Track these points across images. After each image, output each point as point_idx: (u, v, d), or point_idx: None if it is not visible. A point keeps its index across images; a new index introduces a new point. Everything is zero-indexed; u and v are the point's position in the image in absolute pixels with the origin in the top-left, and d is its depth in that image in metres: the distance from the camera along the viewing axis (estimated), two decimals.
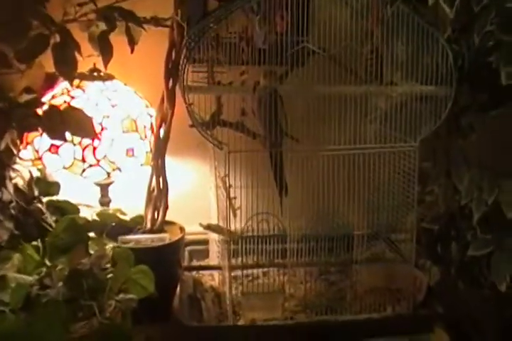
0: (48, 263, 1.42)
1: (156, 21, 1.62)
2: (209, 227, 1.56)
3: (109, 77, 1.69)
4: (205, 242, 1.81)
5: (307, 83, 1.53)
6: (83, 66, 1.63)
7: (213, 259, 1.78)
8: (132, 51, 1.58)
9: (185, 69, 1.46)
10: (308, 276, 1.70)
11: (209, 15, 1.66)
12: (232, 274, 1.53)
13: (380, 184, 1.63)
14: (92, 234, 1.52)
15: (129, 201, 1.77)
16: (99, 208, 1.67)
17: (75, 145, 1.58)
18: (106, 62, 1.54)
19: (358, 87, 1.58)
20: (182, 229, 1.69)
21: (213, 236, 1.74)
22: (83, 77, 1.66)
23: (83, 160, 1.58)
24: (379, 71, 1.57)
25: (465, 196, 1.60)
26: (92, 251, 1.44)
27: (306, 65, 1.55)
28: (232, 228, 1.51)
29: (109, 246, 1.47)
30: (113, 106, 1.64)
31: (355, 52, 1.56)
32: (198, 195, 1.84)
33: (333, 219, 1.65)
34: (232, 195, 1.53)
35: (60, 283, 1.33)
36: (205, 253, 1.83)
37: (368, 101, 1.59)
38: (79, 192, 1.71)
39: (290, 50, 1.52)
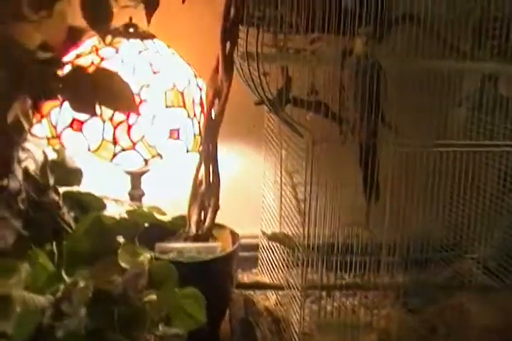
0: (65, 277, 1.05)
1: None
2: (275, 238, 1.20)
3: (150, 36, 1.32)
4: (253, 248, 1.46)
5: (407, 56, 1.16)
6: (116, 20, 1.26)
7: (263, 270, 1.44)
8: (184, 1, 1.20)
9: (259, 30, 1.10)
10: (385, 299, 1.35)
11: None
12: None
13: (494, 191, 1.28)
14: (121, 239, 1.15)
15: (168, 196, 1.40)
16: (129, 203, 1.30)
17: (104, 121, 1.21)
18: (150, 15, 1.17)
19: (474, 63, 1.21)
20: (234, 234, 1.32)
21: (267, 243, 1.39)
22: (117, 32, 1.29)
23: (114, 142, 1.22)
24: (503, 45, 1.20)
25: None
26: (123, 264, 1.08)
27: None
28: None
29: (145, 256, 1.11)
30: (154, 72, 1.27)
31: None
32: (249, 192, 1.49)
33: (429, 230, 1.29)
34: (301, 195, 1.18)
35: (83, 309, 0.98)
36: (253, 262, 1.50)
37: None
38: (103, 181, 1.34)
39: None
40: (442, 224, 1.36)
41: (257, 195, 1.47)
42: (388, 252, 1.20)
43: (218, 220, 1.31)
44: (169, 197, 1.41)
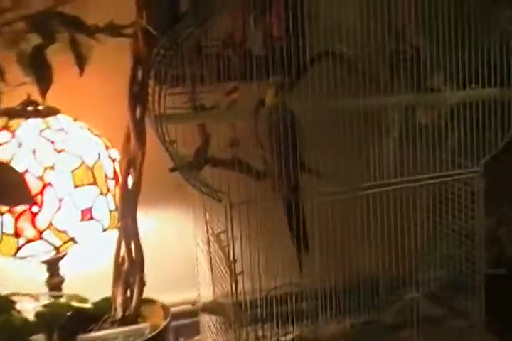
0: None
1: (112, 29, 1.17)
2: (206, 309, 1.11)
3: (51, 112, 1.24)
4: (195, 313, 1.38)
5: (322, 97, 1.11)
6: (12, 98, 1.18)
7: (206, 338, 1.35)
8: (82, 72, 1.13)
9: (160, 93, 1.03)
10: None
11: (183, 19, 1.24)
12: None
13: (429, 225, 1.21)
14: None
15: (91, 279, 1.30)
16: (48, 294, 1.19)
17: (2, 213, 1.11)
18: (43, 91, 1.11)
19: (393, 97, 1.17)
20: (165, 309, 1.21)
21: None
22: (12, 113, 1.20)
23: (17, 235, 1.11)
24: (416, 75, 1.16)
25: None
26: None
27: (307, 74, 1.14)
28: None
29: None
30: (58, 151, 1.18)
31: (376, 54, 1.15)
32: (180, 256, 1.42)
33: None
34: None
35: None
36: (194, 329, 1.39)
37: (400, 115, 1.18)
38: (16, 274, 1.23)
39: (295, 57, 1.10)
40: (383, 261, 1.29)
41: (191, 258, 1.39)
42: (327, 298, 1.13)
43: (152, 289, 1.22)
44: (92, 279, 1.30)
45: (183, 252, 1.42)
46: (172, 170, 1.18)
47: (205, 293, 1.35)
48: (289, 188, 1.08)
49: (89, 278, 1.32)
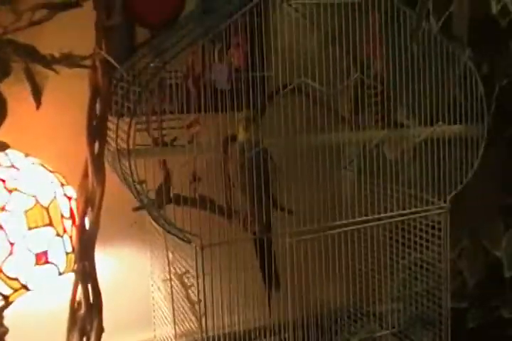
0: None
1: (70, 60, 1.10)
2: None
3: (1, 147, 1.14)
4: None
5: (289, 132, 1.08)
6: None
7: None
8: (38, 105, 1.06)
9: (130, 125, 0.98)
10: None
11: (142, 49, 1.20)
12: None
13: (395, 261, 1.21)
14: None
15: (41, 327, 1.21)
16: None
17: None
18: None
19: (358, 132, 1.17)
20: None
21: None
22: None
23: None
24: (384, 111, 1.16)
25: (508, 266, 1.21)
26: None
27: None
28: None
29: None
30: (9, 191, 1.08)
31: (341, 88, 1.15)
32: (136, 296, 1.36)
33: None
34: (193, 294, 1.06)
35: None
36: None
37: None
38: None
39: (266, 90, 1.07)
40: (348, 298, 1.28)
41: (147, 298, 1.33)
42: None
43: (106, 330, 1.14)
44: (42, 327, 1.21)
45: (139, 292, 1.36)
46: (136, 209, 1.12)
47: (162, 333, 1.30)
48: (260, 228, 1.04)
49: (38, 327, 1.22)
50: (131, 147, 1.01)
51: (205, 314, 1.03)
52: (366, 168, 1.17)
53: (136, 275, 1.37)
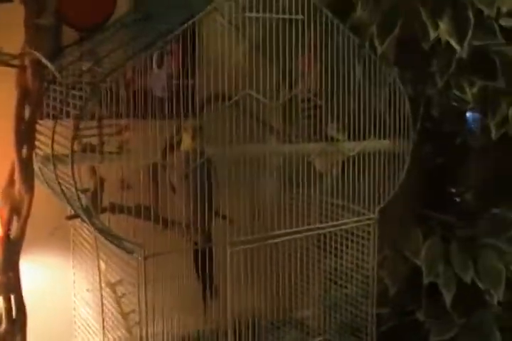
0: None
1: None
2: None
3: None
4: None
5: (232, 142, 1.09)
6: None
7: None
8: None
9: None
10: None
11: (71, 52, 1.16)
12: None
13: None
14: None
15: None
16: None
17: None
18: None
19: (289, 145, 1.20)
20: None
21: None
22: None
23: None
24: (315, 124, 1.21)
25: (427, 272, 1.29)
26: None
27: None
28: None
29: None
30: None
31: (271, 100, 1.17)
32: (58, 306, 1.30)
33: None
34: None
35: None
36: None
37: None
38: None
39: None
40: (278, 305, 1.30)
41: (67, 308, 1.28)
42: None
43: None
44: None
45: (63, 303, 1.30)
46: (70, 217, 1.08)
47: None
48: (201, 237, 1.04)
49: None
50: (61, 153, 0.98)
51: (141, 322, 1.01)
52: (296, 179, 1.21)
53: (60, 286, 1.31)
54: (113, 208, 1.08)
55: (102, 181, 1.15)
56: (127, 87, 1.24)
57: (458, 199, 1.46)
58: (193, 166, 0.98)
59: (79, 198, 0.94)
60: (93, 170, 1.18)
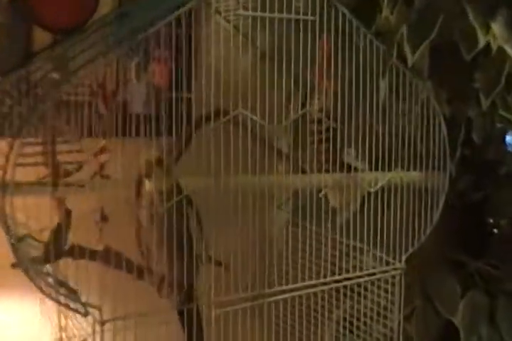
0: None
1: None
2: None
3: None
4: None
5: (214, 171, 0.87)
6: None
7: None
8: None
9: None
10: None
11: (40, 57, 0.97)
12: None
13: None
14: None
15: None
16: None
17: None
18: None
19: (300, 175, 0.98)
20: None
21: None
22: None
23: None
24: (331, 151, 0.99)
25: (466, 335, 1.04)
26: None
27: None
28: None
29: None
30: None
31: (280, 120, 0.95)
32: None
33: None
34: None
35: None
36: None
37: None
38: None
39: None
40: None
41: None
42: None
43: None
44: None
45: None
46: (15, 265, 0.87)
47: None
48: (180, 296, 0.81)
49: None
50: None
51: None
52: (304, 216, 0.99)
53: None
54: (73, 252, 0.87)
55: (68, 215, 0.95)
56: (106, 100, 1.04)
57: (505, 245, 1.22)
58: (158, 209, 0.76)
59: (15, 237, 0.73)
60: (60, 202, 0.98)
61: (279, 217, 1.12)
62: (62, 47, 0.94)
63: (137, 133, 0.86)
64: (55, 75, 0.90)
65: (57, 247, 0.87)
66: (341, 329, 1.02)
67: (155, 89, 1.06)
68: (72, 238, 0.91)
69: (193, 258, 0.80)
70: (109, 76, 1.04)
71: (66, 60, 0.87)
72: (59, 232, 0.92)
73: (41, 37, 1.09)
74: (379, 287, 0.99)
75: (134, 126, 0.85)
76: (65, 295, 0.78)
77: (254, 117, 0.82)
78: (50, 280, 0.80)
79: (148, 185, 0.79)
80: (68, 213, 0.96)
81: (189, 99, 1.03)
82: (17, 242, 0.72)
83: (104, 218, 0.95)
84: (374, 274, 0.97)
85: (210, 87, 0.87)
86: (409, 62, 0.91)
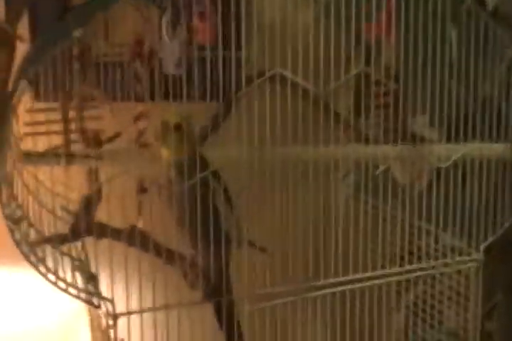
0: None
1: None
2: None
3: None
4: None
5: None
6: None
7: None
8: None
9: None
10: None
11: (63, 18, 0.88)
12: None
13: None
14: None
15: None
16: None
17: None
18: None
19: (359, 146, 0.84)
20: None
21: None
22: None
23: None
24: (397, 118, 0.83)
25: None
26: None
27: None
28: None
29: None
30: None
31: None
32: None
33: None
34: None
35: None
36: None
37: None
38: None
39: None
40: None
41: None
42: None
43: None
44: None
45: None
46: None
47: None
48: (208, 288, 0.70)
49: None
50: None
51: None
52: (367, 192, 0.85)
53: None
54: (98, 230, 0.78)
55: (98, 189, 0.86)
56: (143, 59, 0.94)
57: None
58: (177, 188, 0.65)
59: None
60: (92, 173, 0.90)
61: (337, 193, 0.99)
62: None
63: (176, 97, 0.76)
64: (77, 33, 0.80)
65: (83, 223, 0.79)
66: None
67: (197, 47, 0.95)
68: (104, 213, 0.82)
69: (223, 242, 0.69)
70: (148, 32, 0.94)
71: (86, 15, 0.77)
72: (87, 206, 0.84)
73: None
74: (450, 278, 0.84)
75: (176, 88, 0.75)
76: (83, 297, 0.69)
77: (294, 77, 0.68)
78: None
79: (165, 153, 0.68)
80: (99, 186, 0.87)
81: (238, 59, 0.89)
82: (14, 224, 0.63)
83: (143, 190, 0.87)
84: (446, 265, 0.81)
85: (263, 44, 0.75)
86: (489, 6, 0.73)
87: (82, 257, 0.74)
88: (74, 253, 0.74)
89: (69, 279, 0.68)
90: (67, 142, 0.81)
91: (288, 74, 0.68)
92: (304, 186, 0.77)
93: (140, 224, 0.83)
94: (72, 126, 0.85)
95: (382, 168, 0.77)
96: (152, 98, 0.90)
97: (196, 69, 0.76)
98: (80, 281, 0.69)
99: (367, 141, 0.85)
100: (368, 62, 0.84)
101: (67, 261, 0.70)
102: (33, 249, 0.68)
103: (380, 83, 0.82)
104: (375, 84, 0.84)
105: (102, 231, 0.77)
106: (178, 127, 0.67)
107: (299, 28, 0.77)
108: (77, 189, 0.84)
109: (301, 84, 0.69)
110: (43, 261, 0.64)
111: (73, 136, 0.86)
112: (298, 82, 0.69)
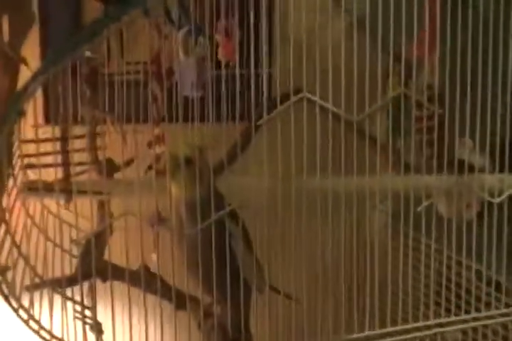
0: None
1: None
2: None
3: None
4: None
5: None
6: None
7: None
8: None
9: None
10: None
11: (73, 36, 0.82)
12: None
13: None
14: None
15: None
16: None
17: None
18: None
19: (398, 176, 0.74)
20: None
21: None
22: None
23: None
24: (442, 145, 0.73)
25: None
26: None
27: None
28: None
29: None
30: None
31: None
32: None
33: None
34: None
35: None
36: None
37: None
38: None
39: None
40: None
41: None
42: None
43: None
44: None
45: None
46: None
47: None
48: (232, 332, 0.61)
49: None
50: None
51: None
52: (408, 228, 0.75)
53: None
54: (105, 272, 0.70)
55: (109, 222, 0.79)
56: (160, 78, 0.87)
57: None
58: (186, 234, 0.56)
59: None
60: (104, 206, 0.83)
61: (373, 228, 0.89)
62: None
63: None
64: (88, 53, 0.74)
65: (88, 265, 0.71)
66: None
67: (219, 65, 0.87)
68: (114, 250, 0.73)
69: (241, 291, 0.60)
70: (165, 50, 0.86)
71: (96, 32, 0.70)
72: (92, 245, 0.76)
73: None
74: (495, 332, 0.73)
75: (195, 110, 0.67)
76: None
77: (322, 102, 0.59)
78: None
79: (175, 191, 0.59)
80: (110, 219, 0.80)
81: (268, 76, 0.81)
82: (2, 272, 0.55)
83: (161, 220, 0.78)
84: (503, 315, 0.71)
85: (290, 61, 0.66)
86: None
87: (90, 303, 0.66)
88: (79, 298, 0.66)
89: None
90: (67, 176, 0.73)
91: (316, 98, 0.59)
92: (335, 222, 0.67)
93: (154, 258, 0.75)
94: (75, 156, 0.77)
95: (425, 203, 0.67)
96: (169, 120, 0.83)
97: (224, 89, 0.69)
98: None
99: (407, 169, 0.75)
100: (407, 83, 0.75)
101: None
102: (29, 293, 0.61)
103: (421, 105, 0.72)
104: (417, 106, 0.74)
105: (113, 272, 0.69)
106: (188, 161, 0.58)
107: (329, 45, 0.68)
108: (88, 218, 0.76)
109: (332, 109, 0.60)
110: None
111: (79, 168, 0.79)
112: (328, 107, 0.60)
